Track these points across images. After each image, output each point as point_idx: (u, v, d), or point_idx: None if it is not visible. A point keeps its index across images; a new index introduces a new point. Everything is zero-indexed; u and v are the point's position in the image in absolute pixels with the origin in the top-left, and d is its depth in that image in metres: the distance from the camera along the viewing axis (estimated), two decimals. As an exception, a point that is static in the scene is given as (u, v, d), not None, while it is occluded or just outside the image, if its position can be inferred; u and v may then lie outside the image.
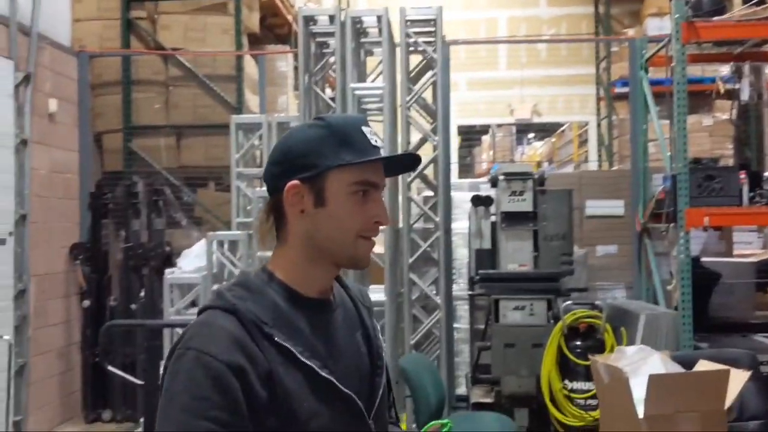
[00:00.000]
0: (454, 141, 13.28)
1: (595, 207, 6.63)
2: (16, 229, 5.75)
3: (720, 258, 7.16)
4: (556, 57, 12.57)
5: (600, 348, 4.66)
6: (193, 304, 5.90)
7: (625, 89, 7.84)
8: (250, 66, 7.35)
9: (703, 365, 2.56)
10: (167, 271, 6.06)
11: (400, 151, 5.55)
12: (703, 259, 6.60)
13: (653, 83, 6.27)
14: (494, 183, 5.50)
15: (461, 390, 6.39)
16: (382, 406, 1.44)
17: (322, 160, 1.33)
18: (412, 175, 5.70)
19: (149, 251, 6.50)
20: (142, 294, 6.49)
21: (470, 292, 5.87)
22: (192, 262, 6.02)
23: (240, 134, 6.37)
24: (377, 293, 5.60)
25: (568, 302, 4.85)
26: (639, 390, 2.19)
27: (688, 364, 3.75)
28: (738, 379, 2.34)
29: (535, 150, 17.40)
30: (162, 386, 1.27)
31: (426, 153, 6.06)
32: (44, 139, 6.24)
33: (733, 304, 6.43)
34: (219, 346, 1.23)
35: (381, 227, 1.39)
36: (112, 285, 6.80)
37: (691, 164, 5.77)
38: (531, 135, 18.31)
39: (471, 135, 16.10)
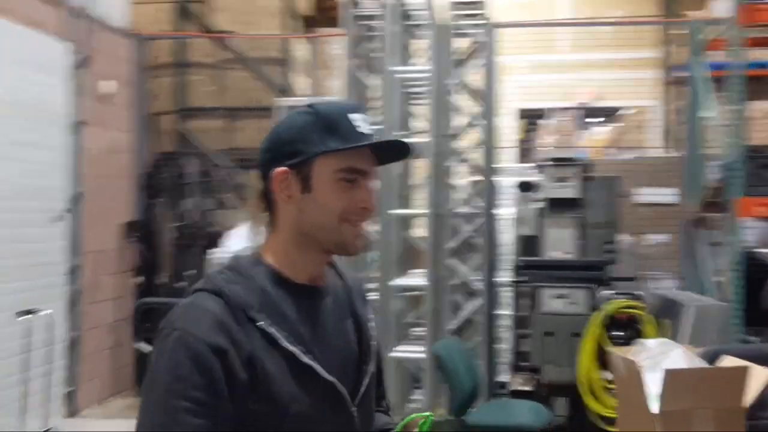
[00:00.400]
0: (512, 125, 13.16)
1: (646, 194, 6.45)
2: (71, 207, 5.94)
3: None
4: (620, 40, 12.24)
5: (641, 338, 4.54)
6: (238, 283, 6.00)
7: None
8: (302, 49, 7.38)
9: (726, 361, 2.47)
10: (211, 250, 6.17)
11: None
12: (759, 250, 6.37)
13: (716, 67, 6.03)
14: (540, 169, 5.40)
15: (506, 377, 6.34)
16: (367, 394, 1.43)
17: (309, 146, 1.33)
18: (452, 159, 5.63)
19: (198, 231, 6.63)
20: (191, 272, 6.62)
21: (512, 279, 5.79)
22: (237, 242, 6.10)
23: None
24: (418, 278, 5.60)
25: (608, 292, 4.74)
26: (657, 385, 2.13)
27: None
28: (761, 377, 2.24)
29: (598, 135, 17.04)
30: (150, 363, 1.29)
31: (473, 139, 6.01)
32: (99, 120, 6.42)
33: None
34: (202, 327, 1.25)
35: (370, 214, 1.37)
36: (162, 263, 6.97)
37: (749, 152, 5.57)
38: (596, 119, 17.93)
39: (535, 118, 15.87)
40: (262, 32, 7.16)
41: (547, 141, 16.07)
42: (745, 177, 5.18)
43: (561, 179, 5.25)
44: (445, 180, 5.62)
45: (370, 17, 5.68)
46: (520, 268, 5.45)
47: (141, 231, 6.85)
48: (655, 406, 2.10)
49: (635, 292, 4.72)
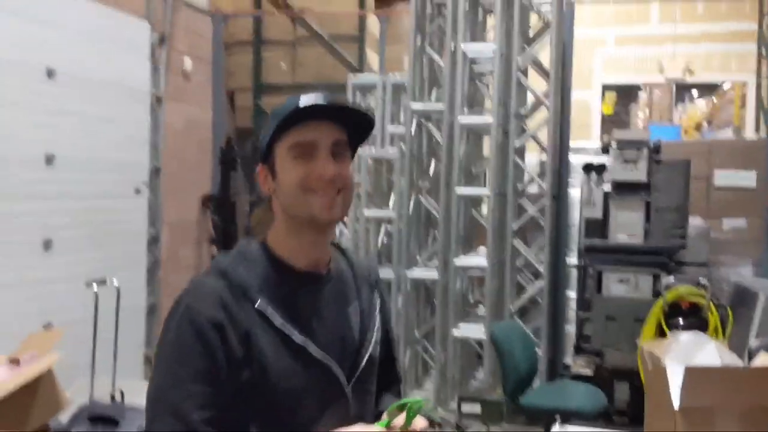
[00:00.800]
0: (597, 100, 12.86)
1: (724, 177, 6.22)
2: (150, 180, 6.23)
3: None
4: (714, 12, 11.73)
5: (703, 327, 4.43)
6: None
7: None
8: (377, 25, 7.43)
9: (762, 359, 2.41)
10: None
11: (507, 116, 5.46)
12: None
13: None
14: (606, 150, 5.30)
15: (569, 360, 6.29)
16: (365, 379, 1.53)
17: (265, 139, 1.46)
18: (518, 138, 5.58)
19: (252, 206, 6.83)
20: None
21: (575, 262, 5.73)
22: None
23: (358, 94, 6.48)
24: (482, 258, 5.62)
25: (670, 278, 4.63)
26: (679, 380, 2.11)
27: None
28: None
29: (695, 110, 16.36)
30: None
31: (543, 117, 5.92)
32: (179, 96, 6.67)
33: None
34: (205, 303, 1.38)
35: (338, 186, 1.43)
36: (239, 234, 7.22)
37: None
38: (693, 94, 17.21)
39: (629, 92, 15.42)
40: (337, 9, 7.24)
41: (640, 116, 15.58)
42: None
43: (628, 161, 5.13)
44: (512, 159, 5.58)
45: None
46: (584, 251, 5.38)
47: (218, 203, 7.11)
48: (676, 402, 2.09)
49: (699, 280, 4.59)
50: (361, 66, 7.06)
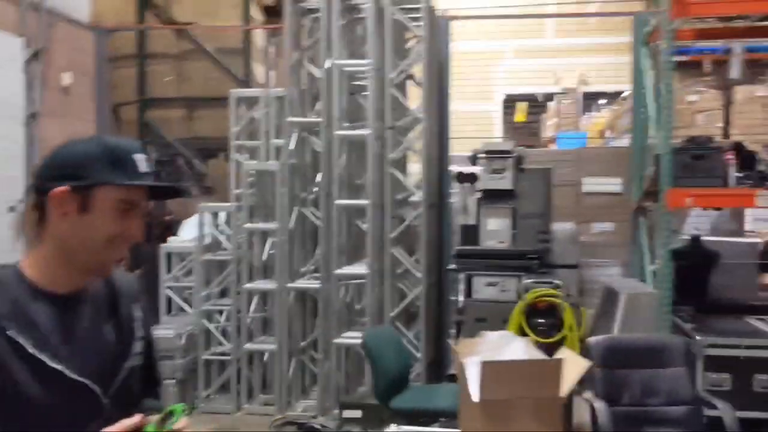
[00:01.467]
0: (498, 110, 13.30)
1: (592, 184, 6.56)
2: (26, 198, 6.12)
3: (729, 238, 7.01)
4: (606, 25, 12.33)
5: (560, 326, 4.69)
6: (189, 272, 6.18)
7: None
8: (262, 40, 7.51)
9: (563, 353, 2.60)
10: (169, 239, 6.35)
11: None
12: (706, 238, 6.47)
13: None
14: (474, 161, 5.53)
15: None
16: (124, 387, 1.58)
17: (94, 174, 1.49)
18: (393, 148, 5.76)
19: (157, 219, 6.80)
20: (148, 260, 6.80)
21: (450, 268, 5.94)
22: (191, 231, 6.28)
23: (242, 107, 6.55)
24: (361, 267, 5.76)
25: (530, 280, 4.88)
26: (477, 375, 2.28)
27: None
28: (577, 368, 2.38)
29: (599, 118, 17.05)
30: None
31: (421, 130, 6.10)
32: (59, 111, 6.58)
33: (734, 285, 6.31)
34: None
35: None
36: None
37: (686, 143, 5.67)
38: (599, 103, 17.92)
39: (540, 102, 15.94)
40: (222, 23, 7.28)
41: (549, 125, 16.11)
42: (678, 168, 5.27)
43: (496, 171, 5.37)
44: (389, 171, 5.75)
45: (314, 10, 5.79)
46: (458, 257, 5.59)
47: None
48: (476, 395, 2.25)
49: (554, 281, 4.85)
50: (247, 79, 7.12)
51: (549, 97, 14.99)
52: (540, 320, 4.71)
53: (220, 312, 6.22)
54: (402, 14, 5.75)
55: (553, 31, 13.27)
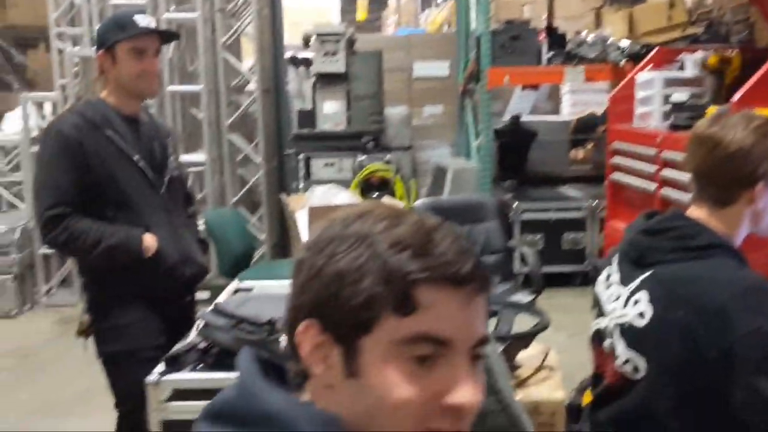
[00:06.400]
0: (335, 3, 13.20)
1: (422, 68, 6.86)
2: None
3: (545, 117, 7.63)
4: None
5: (393, 197, 5.02)
6: (16, 167, 5.94)
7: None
8: None
9: (386, 200, 2.89)
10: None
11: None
12: (525, 118, 7.02)
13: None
14: (307, 43, 5.62)
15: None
16: (172, 185, 2.51)
17: (110, 38, 2.38)
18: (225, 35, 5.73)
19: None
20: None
21: (288, 152, 6.10)
22: (15, 124, 6.00)
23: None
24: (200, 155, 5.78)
25: (364, 158, 5.15)
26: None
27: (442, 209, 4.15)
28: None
29: (438, 14, 17.29)
30: None
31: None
32: None
33: (549, 159, 6.95)
34: (68, 128, 2.34)
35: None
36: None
37: (503, 25, 6.05)
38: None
39: None
40: None
41: (390, 21, 16.20)
42: (495, 49, 5.64)
43: (327, 54, 5.50)
44: (222, 56, 5.72)
45: None
46: (296, 140, 5.75)
47: None
48: (305, 238, 2.47)
49: (387, 158, 5.15)
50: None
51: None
52: (374, 195, 5.01)
53: (54, 206, 6.04)
54: None
55: None
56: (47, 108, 6.11)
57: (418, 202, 4.09)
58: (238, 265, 4.86)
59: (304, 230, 2.49)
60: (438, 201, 4.33)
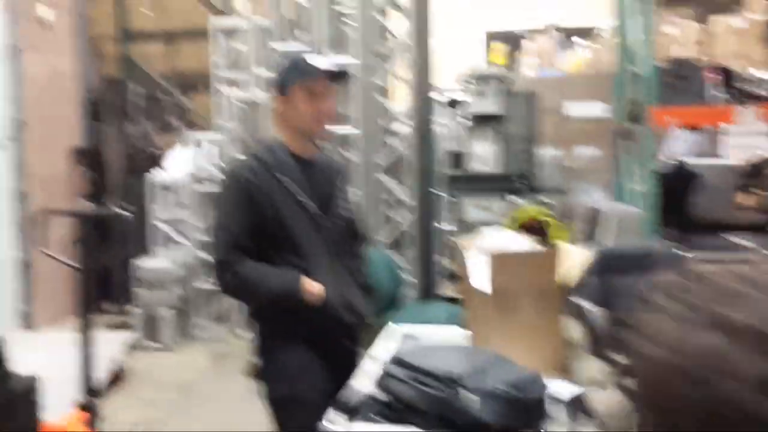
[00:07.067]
0: (477, 45, 13.19)
1: (576, 108, 6.64)
2: (14, 134, 6.07)
3: (709, 160, 7.18)
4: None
5: (548, 243, 4.82)
6: (179, 204, 6.21)
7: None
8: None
9: (562, 246, 2.72)
10: (154, 172, 6.35)
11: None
12: (687, 160, 6.63)
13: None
14: (461, 85, 5.57)
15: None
16: (340, 232, 2.49)
17: (286, 80, 2.41)
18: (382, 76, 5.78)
19: (141, 154, 6.79)
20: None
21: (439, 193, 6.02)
22: (177, 164, 6.29)
23: (221, 37, 6.48)
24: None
25: (519, 201, 4.99)
26: (483, 267, 2.38)
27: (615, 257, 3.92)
28: (579, 258, 2.50)
29: (577, 55, 16.99)
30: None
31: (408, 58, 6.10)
32: (39, 46, 6.47)
33: (713, 205, 6.50)
34: (244, 171, 2.40)
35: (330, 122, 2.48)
36: (110, 186, 7.15)
37: (669, 64, 5.76)
38: (574, 40, 17.78)
39: (514, 41, 15.78)
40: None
41: (527, 62, 16.03)
42: (661, 89, 5.37)
43: (483, 95, 5.43)
44: (376, 98, 5.77)
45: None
46: (447, 181, 5.68)
47: (87, 156, 7.00)
48: (484, 287, 2.36)
49: (545, 201, 4.97)
50: (227, 9, 7.04)
51: (527, 34, 14.90)
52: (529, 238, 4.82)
53: (212, 243, 6.27)
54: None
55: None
56: (209, 149, 6.38)
57: (588, 250, 3.87)
58: (387, 305, 4.83)
59: (484, 278, 2.37)
60: (609, 248, 4.09)
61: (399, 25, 6.20)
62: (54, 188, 6.73)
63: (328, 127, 2.48)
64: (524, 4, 12.77)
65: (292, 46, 5.93)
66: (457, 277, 2.77)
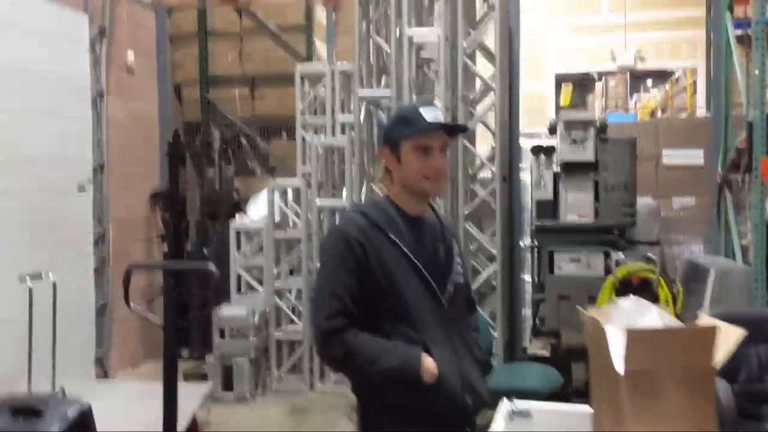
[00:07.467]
0: (551, 88, 12.92)
1: (672, 156, 6.29)
2: (94, 177, 6.08)
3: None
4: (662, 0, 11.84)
5: (654, 302, 4.46)
6: (259, 250, 6.08)
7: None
8: (323, 15, 7.36)
9: (704, 320, 2.41)
10: (235, 217, 6.26)
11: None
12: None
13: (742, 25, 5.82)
14: (553, 130, 5.31)
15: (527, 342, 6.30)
16: (456, 296, 2.24)
17: (395, 135, 2.22)
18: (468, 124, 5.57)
19: (222, 198, 6.72)
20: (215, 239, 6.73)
21: (527, 244, 5.74)
22: (258, 209, 6.19)
23: (306, 84, 6.41)
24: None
25: (621, 256, 4.66)
26: (621, 345, 2.10)
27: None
28: (732, 336, 2.18)
29: (649, 98, 16.56)
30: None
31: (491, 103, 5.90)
32: (123, 90, 6.52)
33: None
34: (352, 229, 2.17)
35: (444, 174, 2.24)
36: (189, 230, 7.10)
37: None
38: (647, 82, 17.39)
39: (585, 83, 15.47)
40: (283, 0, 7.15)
41: (597, 106, 15.69)
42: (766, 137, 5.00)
43: (575, 141, 5.15)
44: (461, 143, 5.56)
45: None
46: (535, 232, 5.39)
47: (167, 199, 6.98)
48: (620, 366, 2.07)
49: (649, 255, 4.62)
50: (309, 56, 6.99)
51: (601, 76, 14.55)
52: (632, 296, 4.47)
53: (291, 290, 6.12)
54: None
55: (607, 7, 12.73)
56: (289, 194, 6.26)
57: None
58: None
59: (614, 352, 2.08)
60: (731, 314, 3.73)
61: (485, 69, 6.01)
62: (133, 231, 6.72)
63: (439, 184, 2.23)
64: (595, 45, 12.40)
65: (376, 92, 5.80)
66: (585, 351, 2.46)
